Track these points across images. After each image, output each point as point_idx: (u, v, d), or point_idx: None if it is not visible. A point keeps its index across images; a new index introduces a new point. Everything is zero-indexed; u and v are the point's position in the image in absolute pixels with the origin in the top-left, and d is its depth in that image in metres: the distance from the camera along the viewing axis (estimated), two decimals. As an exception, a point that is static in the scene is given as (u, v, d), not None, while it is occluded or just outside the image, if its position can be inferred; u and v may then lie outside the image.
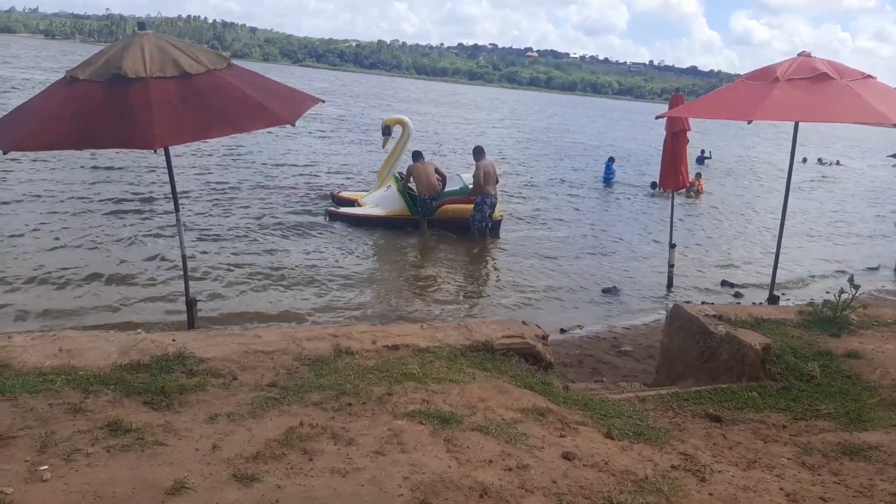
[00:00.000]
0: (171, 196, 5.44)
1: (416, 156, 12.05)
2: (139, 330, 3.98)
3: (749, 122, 6.33)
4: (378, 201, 12.30)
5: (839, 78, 6.50)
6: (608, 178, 20.55)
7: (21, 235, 9.40)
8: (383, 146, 13.06)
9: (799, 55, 6.90)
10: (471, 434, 3.04)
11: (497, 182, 11.60)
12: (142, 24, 4.99)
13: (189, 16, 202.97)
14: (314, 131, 26.80)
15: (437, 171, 11.84)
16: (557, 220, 14.33)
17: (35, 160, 14.13)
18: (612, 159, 21.42)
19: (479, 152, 11.58)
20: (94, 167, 14.84)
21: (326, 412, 3.14)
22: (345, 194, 13.45)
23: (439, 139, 28.89)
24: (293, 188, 14.94)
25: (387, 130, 12.79)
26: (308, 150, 21.88)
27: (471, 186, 11.61)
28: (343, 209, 12.39)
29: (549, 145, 32.37)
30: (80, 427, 2.82)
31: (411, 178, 11.75)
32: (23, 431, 2.74)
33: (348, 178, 16.97)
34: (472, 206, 11.47)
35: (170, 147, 4.93)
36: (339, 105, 42.69)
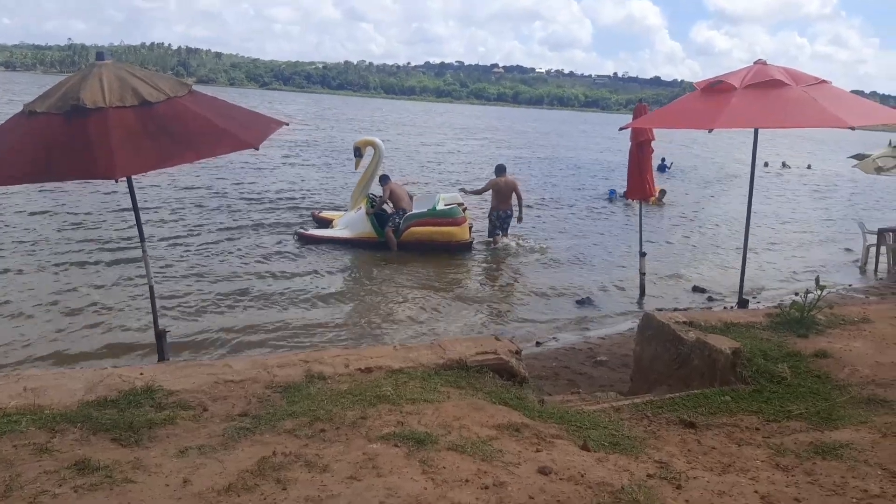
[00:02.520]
0: (137, 227, 5.36)
1: (386, 178, 12.35)
2: (105, 365, 3.90)
3: (710, 131, 6.45)
4: (347, 223, 12.31)
5: (795, 84, 6.66)
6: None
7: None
8: (356, 168, 13.09)
9: (755, 63, 7.07)
10: (446, 454, 3.03)
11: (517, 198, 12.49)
12: (100, 55, 4.95)
13: (153, 43, 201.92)
14: (291, 155, 26.71)
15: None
16: (528, 233, 14.40)
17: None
18: (613, 191, 21.50)
19: (499, 170, 12.67)
20: (57, 199, 14.59)
21: (299, 439, 3.10)
22: (324, 215, 13.50)
23: (412, 162, 28.98)
24: (265, 211, 14.88)
25: (358, 152, 12.81)
26: (283, 173, 21.83)
27: (439, 208, 11.73)
28: (312, 231, 12.39)
29: (523, 160, 32.58)
30: (46, 468, 2.75)
31: (389, 198, 11.98)
32: (-14, 476, 2.67)
33: (320, 201, 16.94)
34: (437, 227, 11.72)
35: (139, 177, 4.88)
36: (312, 128, 42.64)
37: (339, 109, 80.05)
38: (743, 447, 3.51)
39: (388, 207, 12.08)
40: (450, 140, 43.49)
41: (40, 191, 14.69)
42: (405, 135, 44.66)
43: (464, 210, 12.07)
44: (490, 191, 12.56)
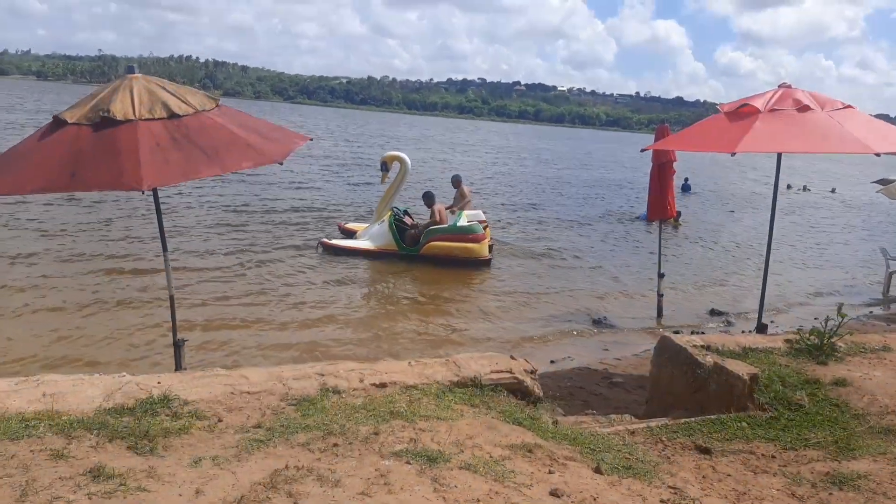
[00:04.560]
0: (160, 236, 5.43)
1: (434, 198, 12.61)
2: (124, 373, 3.95)
3: (733, 154, 6.42)
4: (369, 235, 12.44)
5: (820, 108, 6.63)
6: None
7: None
8: (382, 181, 13.25)
9: (780, 86, 7.04)
10: (458, 473, 3.02)
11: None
12: (131, 68, 5.06)
13: (181, 56, 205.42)
14: (317, 168, 26.95)
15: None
16: (547, 251, 14.40)
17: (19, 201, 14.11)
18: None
19: (456, 180, 13.71)
20: (81, 208, 14.82)
21: (312, 453, 3.11)
22: (349, 225, 13.65)
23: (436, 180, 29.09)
24: (289, 222, 15.09)
25: (384, 166, 12.99)
26: (308, 185, 22.08)
27: (460, 224, 11.89)
28: (334, 241, 12.52)
29: (543, 178, 32.62)
30: (62, 473, 2.78)
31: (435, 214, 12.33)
32: (2, 479, 2.70)
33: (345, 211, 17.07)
34: (457, 243, 11.80)
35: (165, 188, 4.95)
36: (340, 143, 43.03)
37: (369, 126, 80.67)
38: (759, 475, 3.47)
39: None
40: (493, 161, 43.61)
41: (64, 200, 14.94)
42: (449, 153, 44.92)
43: (485, 227, 12.20)
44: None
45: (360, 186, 22.87)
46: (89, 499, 2.59)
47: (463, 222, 12.02)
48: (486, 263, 12.08)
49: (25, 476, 2.72)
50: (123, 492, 2.65)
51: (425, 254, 11.89)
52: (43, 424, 3.17)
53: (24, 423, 3.17)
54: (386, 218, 12.31)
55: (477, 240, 11.87)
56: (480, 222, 12.34)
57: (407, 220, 12.66)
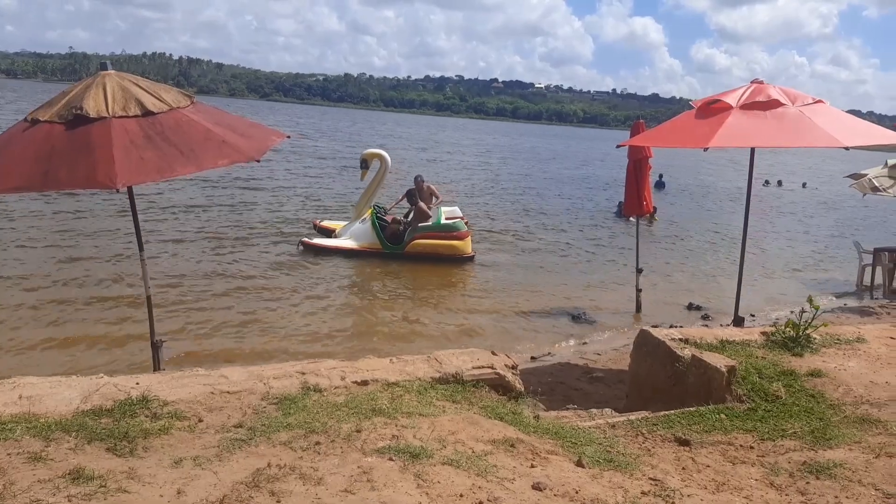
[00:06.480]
0: (136, 236, 5.36)
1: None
2: (101, 374, 3.90)
3: (705, 150, 6.49)
4: (351, 233, 12.40)
5: (791, 103, 6.72)
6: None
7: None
8: (361, 179, 13.22)
9: (752, 82, 7.12)
10: (441, 468, 3.03)
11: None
12: (104, 64, 4.99)
13: (154, 53, 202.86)
14: (296, 165, 26.79)
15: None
16: (526, 247, 14.46)
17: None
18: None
19: (417, 179, 13.08)
20: (57, 209, 14.59)
21: (294, 452, 3.10)
22: (325, 224, 13.58)
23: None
24: (268, 221, 14.98)
25: (364, 164, 12.96)
26: (286, 183, 21.91)
27: (443, 221, 11.88)
28: (316, 240, 12.46)
29: (520, 175, 32.73)
30: (40, 476, 2.74)
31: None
32: (-21, 484, 2.66)
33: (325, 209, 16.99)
34: (441, 241, 11.86)
35: (140, 186, 4.89)
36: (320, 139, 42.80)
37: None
38: (737, 465, 3.51)
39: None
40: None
41: (41, 199, 14.69)
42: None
43: (466, 224, 12.25)
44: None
45: (338, 185, 22.78)
46: (69, 501, 2.56)
47: (444, 220, 12.05)
48: (470, 260, 12.14)
49: (3, 479, 2.68)
50: (104, 493, 2.62)
51: (410, 251, 11.91)
52: (20, 427, 3.12)
53: (1, 426, 3.12)
54: (367, 216, 12.29)
55: (461, 237, 11.98)
56: (460, 218, 12.39)
57: (387, 217, 12.64)
